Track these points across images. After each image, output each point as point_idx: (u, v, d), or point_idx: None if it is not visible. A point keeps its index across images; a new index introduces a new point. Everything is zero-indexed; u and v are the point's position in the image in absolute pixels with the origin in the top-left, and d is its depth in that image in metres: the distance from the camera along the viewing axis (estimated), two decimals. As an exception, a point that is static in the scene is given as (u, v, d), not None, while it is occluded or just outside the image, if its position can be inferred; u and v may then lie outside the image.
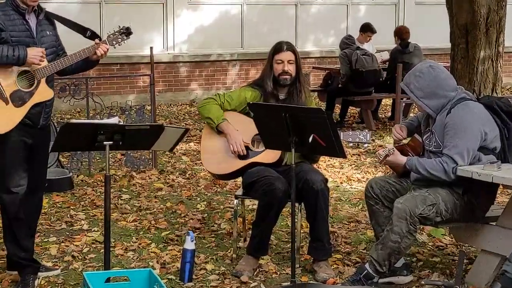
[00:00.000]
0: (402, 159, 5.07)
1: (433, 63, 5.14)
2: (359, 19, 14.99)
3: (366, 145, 5.41)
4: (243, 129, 5.61)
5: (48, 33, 5.03)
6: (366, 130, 5.42)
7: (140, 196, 7.50)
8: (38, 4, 4.98)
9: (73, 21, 5.23)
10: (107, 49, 5.10)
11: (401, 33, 11.74)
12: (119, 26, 5.25)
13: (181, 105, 14.06)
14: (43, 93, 4.95)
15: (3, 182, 4.93)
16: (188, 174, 8.42)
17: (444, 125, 4.97)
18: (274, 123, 4.90)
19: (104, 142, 4.57)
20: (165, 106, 13.71)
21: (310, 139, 4.78)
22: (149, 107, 9.17)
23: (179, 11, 14.65)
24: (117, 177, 8.11)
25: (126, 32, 5.21)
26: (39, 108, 4.96)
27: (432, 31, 16.41)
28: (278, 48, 5.70)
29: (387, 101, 13.29)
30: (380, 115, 12.46)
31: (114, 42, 5.18)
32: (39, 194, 5.22)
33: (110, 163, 8.41)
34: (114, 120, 4.66)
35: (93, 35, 5.16)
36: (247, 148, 5.59)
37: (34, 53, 4.81)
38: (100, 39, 5.13)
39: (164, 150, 5.17)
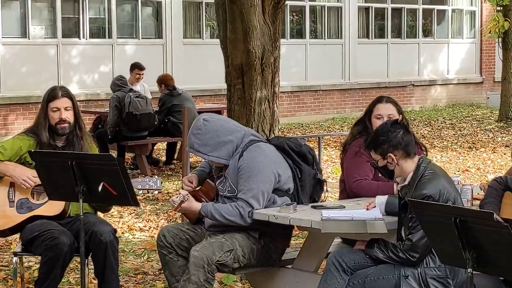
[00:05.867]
0: (196, 205, 5.15)
1: (205, 116, 5.30)
2: (126, 59, 15.07)
3: (156, 192, 5.46)
4: (21, 180, 5.45)
5: None
6: (156, 177, 5.47)
7: None
8: None
9: None
10: None
11: (166, 80, 12.03)
12: None
13: None
14: None
15: None
16: None
17: (238, 169, 5.12)
18: (59, 172, 4.82)
19: None
20: None
21: (100, 187, 4.75)
22: None
23: None
24: None
25: None
26: None
27: (200, 72, 16.85)
28: (52, 95, 5.56)
29: (159, 146, 13.45)
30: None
31: None
32: None
33: None
34: None
35: None
36: (26, 200, 5.43)
37: None
38: None
39: None
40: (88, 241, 5.21)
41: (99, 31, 16.41)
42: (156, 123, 11.43)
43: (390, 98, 5.86)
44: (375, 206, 4.95)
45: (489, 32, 18.08)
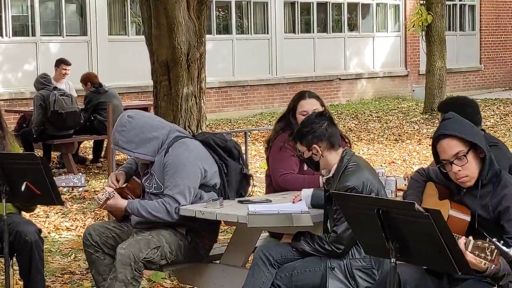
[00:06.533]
0: (123, 202, 5.14)
1: (130, 113, 5.30)
2: (51, 57, 14.88)
3: (81, 189, 5.42)
4: None
5: None
6: (80, 174, 5.41)
7: None
8: None
9: None
10: None
11: (91, 78, 11.99)
12: None
13: None
14: None
15: None
16: None
17: (163, 165, 5.11)
18: (-19, 173, 4.75)
19: None
20: None
21: (23, 187, 4.70)
22: None
23: None
24: None
25: None
26: None
27: (126, 69, 16.74)
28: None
29: (86, 144, 13.33)
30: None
31: None
32: None
33: None
34: None
35: None
36: None
37: None
38: None
39: None
40: (13, 242, 5.14)
41: (22, 29, 16.16)
42: (82, 121, 11.33)
43: (312, 93, 5.89)
44: (301, 200, 5.00)
45: (413, 26, 18.34)
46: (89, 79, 11.90)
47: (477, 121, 5.31)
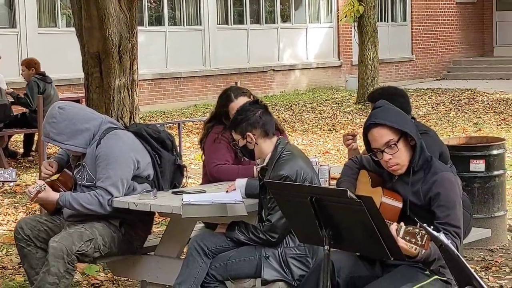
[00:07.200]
0: (54, 195, 5.09)
1: (60, 104, 5.27)
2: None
3: (12, 183, 5.36)
4: None
5: None
6: (11, 168, 5.35)
7: None
8: None
9: None
10: None
11: (38, 64, 11.87)
12: None
13: None
14: None
15: None
16: None
17: (95, 157, 5.08)
18: None
19: None
20: None
21: (-48, 181, 4.64)
22: None
23: None
24: None
25: None
26: None
27: (57, 61, 16.53)
28: None
29: (17, 137, 13.15)
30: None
31: None
32: None
33: None
34: None
35: None
36: None
37: None
38: None
39: None
40: None
41: (-51, 21, 15.86)
42: (12, 114, 11.16)
43: (236, 89, 5.82)
44: (235, 189, 5.02)
45: (345, 17, 18.49)
46: (35, 65, 11.75)
47: (408, 111, 5.40)
